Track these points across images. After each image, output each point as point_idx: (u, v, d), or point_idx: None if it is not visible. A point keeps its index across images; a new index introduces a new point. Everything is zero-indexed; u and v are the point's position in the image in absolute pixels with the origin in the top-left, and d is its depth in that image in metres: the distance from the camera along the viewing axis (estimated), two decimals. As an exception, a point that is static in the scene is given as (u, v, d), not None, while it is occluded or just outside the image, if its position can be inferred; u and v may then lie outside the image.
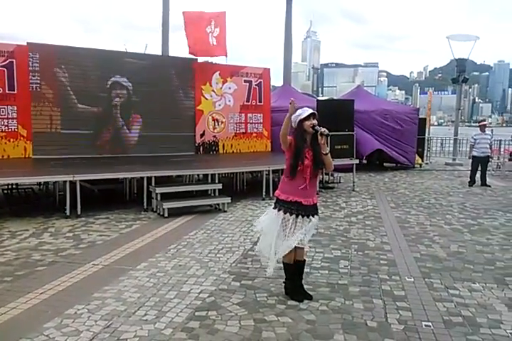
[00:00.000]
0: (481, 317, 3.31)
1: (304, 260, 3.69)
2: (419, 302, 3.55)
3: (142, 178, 7.00)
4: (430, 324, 3.18)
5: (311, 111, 3.39)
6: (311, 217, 3.48)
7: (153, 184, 6.89)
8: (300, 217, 3.43)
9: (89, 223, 6.05)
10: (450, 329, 3.10)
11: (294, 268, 3.58)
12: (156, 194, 6.74)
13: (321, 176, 9.45)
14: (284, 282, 3.70)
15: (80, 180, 6.41)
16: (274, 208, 3.51)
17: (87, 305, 3.36)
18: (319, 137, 3.33)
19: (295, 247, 3.43)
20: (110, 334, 2.93)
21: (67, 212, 6.29)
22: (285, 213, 3.42)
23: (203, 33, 10.85)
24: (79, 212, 6.35)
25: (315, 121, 3.38)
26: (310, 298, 3.55)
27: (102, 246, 4.98)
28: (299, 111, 3.42)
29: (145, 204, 6.88)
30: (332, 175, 10.47)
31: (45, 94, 8.42)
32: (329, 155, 3.44)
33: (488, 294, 3.75)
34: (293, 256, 3.51)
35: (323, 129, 3.32)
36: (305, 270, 4.24)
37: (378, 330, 3.07)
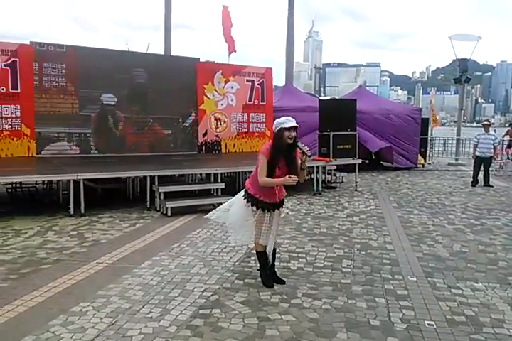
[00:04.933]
0: (484, 316, 3.33)
1: (275, 249, 3.91)
2: (422, 302, 3.56)
3: (145, 177, 7.03)
4: (433, 323, 3.19)
5: (293, 123, 3.56)
6: (276, 210, 3.80)
7: (156, 183, 6.92)
8: (267, 211, 3.75)
9: (93, 222, 6.08)
10: (453, 329, 3.11)
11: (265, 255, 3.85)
12: (159, 193, 6.77)
13: (323, 176, 9.48)
14: (257, 270, 4.02)
15: (84, 179, 6.44)
16: (244, 199, 3.78)
17: (92, 303, 3.39)
18: (301, 155, 3.58)
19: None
20: (115, 332, 2.95)
21: (71, 211, 6.32)
22: (252, 206, 3.72)
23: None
24: (83, 211, 6.38)
25: (294, 134, 3.56)
26: (283, 282, 3.85)
27: (105, 245, 5.00)
28: (282, 119, 3.60)
29: (148, 203, 6.91)
30: (334, 174, 10.49)
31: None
32: (305, 171, 3.73)
33: (491, 293, 3.77)
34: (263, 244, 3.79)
35: (306, 149, 3.54)
36: (308, 269, 4.31)
37: (381, 329, 3.08)
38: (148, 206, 6.90)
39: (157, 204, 6.86)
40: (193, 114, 10.22)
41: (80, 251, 4.77)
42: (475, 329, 3.11)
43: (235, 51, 12.49)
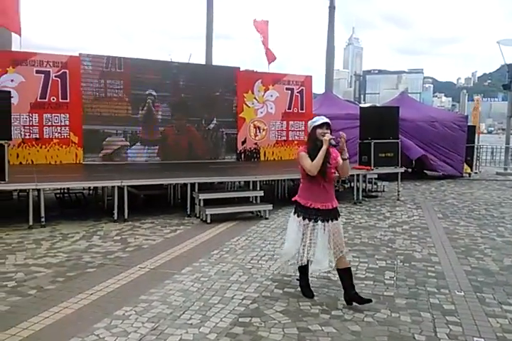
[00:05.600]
0: (539, 335, 3.12)
1: (349, 267, 3.69)
2: (470, 317, 3.40)
3: (186, 184, 7.15)
4: (482, 340, 3.03)
5: (325, 120, 3.56)
6: (330, 221, 3.55)
7: (196, 190, 7.03)
8: (320, 222, 3.52)
9: (136, 227, 6.24)
10: (505, 348, 2.94)
11: (342, 277, 3.65)
12: (199, 200, 6.86)
13: (363, 184, 9.29)
14: (297, 280, 3.91)
15: (128, 186, 6.64)
16: (294, 214, 3.65)
17: (134, 307, 3.46)
18: (341, 141, 3.49)
19: (338, 261, 3.59)
20: (157, 337, 2.99)
21: (115, 216, 6.52)
22: (304, 219, 3.55)
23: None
24: (126, 217, 6.57)
25: (327, 131, 3.53)
26: (370, 301, 3.53)
27: (147, 250, 5.11)
28: (314, 118, 3.65)
29: (188, 209, 7.02)
30: (375, 183, 10.26)
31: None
32: (347, 161, 3.57)
33: (547, 311, 3.53)
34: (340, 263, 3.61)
35: (329, 137, 3.45)
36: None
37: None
38: (188, 212, 7.01)
39: (197, 211, 6.96)
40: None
41: (123, 255, 4.90)
42: (530, 350, 2.92)
43: (275, 58, 12.58)
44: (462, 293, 3.89)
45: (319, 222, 3.53)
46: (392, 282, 4.16)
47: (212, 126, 10.09)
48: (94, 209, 7.61)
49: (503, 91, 17.06)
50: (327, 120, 3.58)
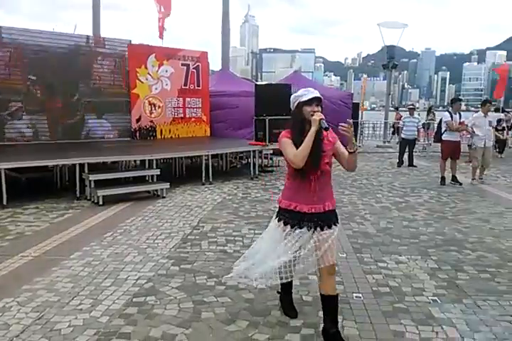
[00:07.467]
0: (406, 286, 3.58)
1: (337, 294, 2.75)
2: (350, 276, 3.76)
3: (74, 165, 6.68)
4: (360, 295, 3.39)
5: (315, 94, 2.64)
6: (320, 229, 2.67)
7: (86, 171, 6.61)
8: (305, 228, 2.64)
9: (17, 213, 5.71)
10: (378, 299, 3.32)
11: (326, 307, 2.77)
12: (90, 181, 6.48)
13: (259, 160, 9.57)
14: (277, 292, 3.16)
15: (6, 169, 6.00)
16: (276, 218, 2.81)
17: (16, 298, 3.20)
18: (349, 130, 2.53)
19: (321, 276, 2.75)
20: (42, 326, 2.82)
21: (-9, 203, 5.89)
22: (285, 225, 2.68)
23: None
24: (5, 202, 5.96)
25: (318, 108, 2.62)
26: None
27: (31, 237, 4.72)
28: (300, 91, 2.69)
29: (78, 192, 6.60)
30: (271, 159, 10.65)
31: None
32: (355, 154, 2.66)
33: (413, 265, 4.05)
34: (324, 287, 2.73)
35: (322, 117, 2.56)
36: (244, 251, 4.32)
37: (313, 304, 3.21)
38: (78, 195, 6.59)
39: (88, 193, 6.57)
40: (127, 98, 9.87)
41: (2, 244, 4.46)
42: (398, 299, 3.34)
43: (165, 29, 12.16)
44: (344, 255, 4.28)
45: (304, 230, 2.64)
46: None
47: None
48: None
49: (384, 71, 18.59)
50: (317, 94, 2.65)
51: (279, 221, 2.75)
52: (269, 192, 7.40)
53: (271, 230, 2.82)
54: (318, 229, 2.67)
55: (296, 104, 2.68)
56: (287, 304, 3.11)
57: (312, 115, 2.58)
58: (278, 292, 3.18)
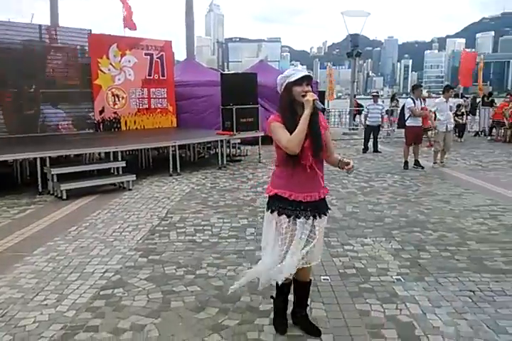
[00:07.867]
0: (371, 267, 3.68)
1: (310, 280, 2.74)
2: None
3: (35, 159, 6.46)
4: (328, 277, 3.46)
5: (304, 72, 2.44)
6: (318, 217, 2.52)
7: (47, 165, 6.40)
8: (302, 218, 2.46)
9: (-25, 211, 5.49)
10: (345, 281, 3.41)
11: (291, 288, 2.70)
12: (52, 175, 6.28)
13: (227, 150, 9.53)
14: (271, 297, 2.83)
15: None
16: (267, 210, 2.56)
17: (-24, 297, 3.10)
18: (350, 168, 2.48)
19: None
20: (6, 323, 2.75)
21: None
22: (280, 215, 2.47)
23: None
24: (-39, 200, 5.72)
25: (309, 88, 2.41)
26: (318, 334, 2.63)
27: (-9, 235, 4.56)
28: (287, 71, 2.50)
29: (40, 187, 6.39)
30: (239, 148, 10.63)
31: None
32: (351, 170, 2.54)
33: (378, 247, 4.17)
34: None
35: (316, 97, 2.39)
36: (213, 240, 4.37)
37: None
38: (40, 190, 6.39)
39: (50, 188, 6.38)
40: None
41: (-41, 243, 4.29)
42: (364, 279, 3.43)
43: (135, 27, 11.76)
44: (312, 240, 4.35)
45: (303, 219, 2.46)
46: (253, 237, 4.44)
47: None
48: None
49: (349, 60, 18.80)
50: (306, 72, 2.46)
51: (272, 212, 2.50)
52: (237, 181, 7.40)
53: (268, 227, 2.56)
54: (317, 217, 2.51)
55: (284, 85, 2.45)
56: (280, 313, 2.74)
57: (304, 96, 2.38)
58: (272, 297, 2.82)
